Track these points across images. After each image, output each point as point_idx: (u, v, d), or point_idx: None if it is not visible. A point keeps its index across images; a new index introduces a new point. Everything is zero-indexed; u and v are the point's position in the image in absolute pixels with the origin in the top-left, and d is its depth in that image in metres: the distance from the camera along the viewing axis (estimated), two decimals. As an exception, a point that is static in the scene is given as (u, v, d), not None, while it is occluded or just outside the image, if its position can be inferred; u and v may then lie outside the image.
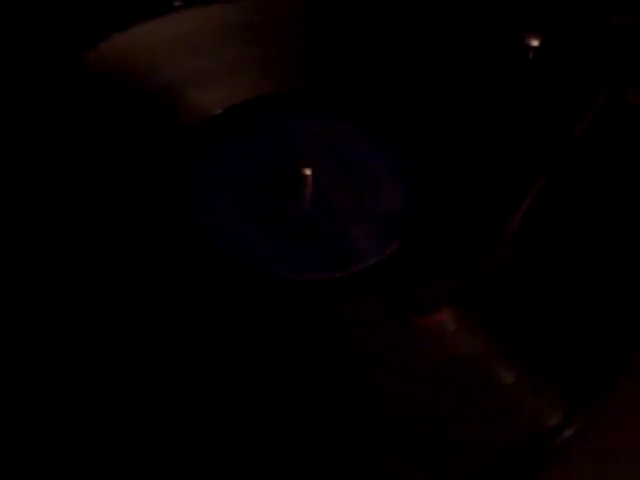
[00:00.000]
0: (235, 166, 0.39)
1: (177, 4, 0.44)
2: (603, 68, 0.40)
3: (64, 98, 0.41)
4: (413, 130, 0.40)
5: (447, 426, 0.30)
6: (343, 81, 0.42)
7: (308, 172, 0.38)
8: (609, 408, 0.32)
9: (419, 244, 0.36)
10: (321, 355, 0.32)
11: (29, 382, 0.31)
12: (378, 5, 0.45)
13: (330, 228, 0.37)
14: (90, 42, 0.42)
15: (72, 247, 0.35)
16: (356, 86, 0.42)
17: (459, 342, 0.32)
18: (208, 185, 0.38)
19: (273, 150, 0.40)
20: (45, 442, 0.30)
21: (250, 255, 0.36)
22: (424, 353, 0.32)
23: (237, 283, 0.35)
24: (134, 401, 0.31)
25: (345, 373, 0.32)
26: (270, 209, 0.37)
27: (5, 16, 0.45)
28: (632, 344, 0.33)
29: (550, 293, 0.34)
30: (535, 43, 0.41)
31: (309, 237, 0.36)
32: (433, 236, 0.36)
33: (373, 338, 0.33)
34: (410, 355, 0.32)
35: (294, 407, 0.31)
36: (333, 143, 0.40)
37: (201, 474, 0.29)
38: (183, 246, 0.36)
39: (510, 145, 0.39)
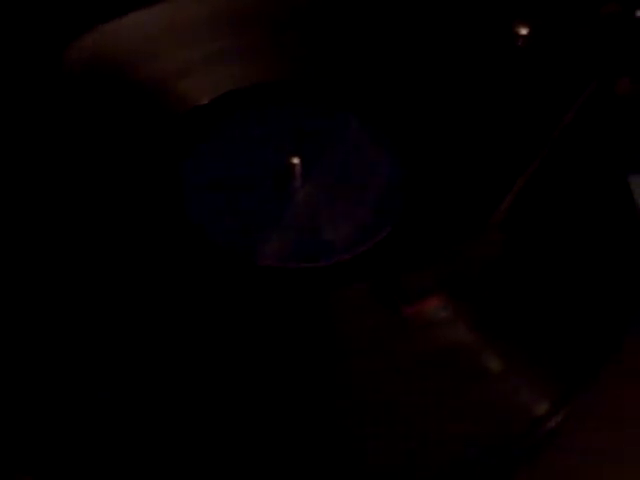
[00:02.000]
0: (224, 156, 0.39)
1: None
2: (592, 58, 0.40)
3: (52, 89, 0.40)
4: (401, 118, 0.40)
5: (432, 415, 0.30)
6: (334, 71, 0.42)
7: (296, 161, 0.38)
8: (595, 398, 0.32)
9: (407, 232, 0.36)
10: (307, 342, 0.32)
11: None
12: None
13: (318, 217, 0.37)
14: (77, 32, 0.42)
15: (60, 236, 0.35)
16: (346, 75, 0.42)
17: (447, 330, 0.32)
18: (197, 175, 0.38)
19: (262, 140, 0.40)
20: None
21: (239, 244, 0.36)
22: (412, 341, 0.32)
23: (226, 273, 0.35)
24: (135, 387, 0.31)
25: (331, 361, 0.32)
26: (259, 198, 0.37)
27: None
28: (620, 335, 0.33)
29: (539, 283, 0.34)
30: (524, 32, 0.41)
31: (297, 226, 0.36)
32: (421, 224, 0.36)
33: (360, 326, 0.33)
34: (398, 343, 0.32)
35: (284, 396, 0.31)
36: (323, 133, 0.40)
37: (192, 454, 0.29)
38: (173, 238, 0.36)
39: (498, 133, 0.39)
